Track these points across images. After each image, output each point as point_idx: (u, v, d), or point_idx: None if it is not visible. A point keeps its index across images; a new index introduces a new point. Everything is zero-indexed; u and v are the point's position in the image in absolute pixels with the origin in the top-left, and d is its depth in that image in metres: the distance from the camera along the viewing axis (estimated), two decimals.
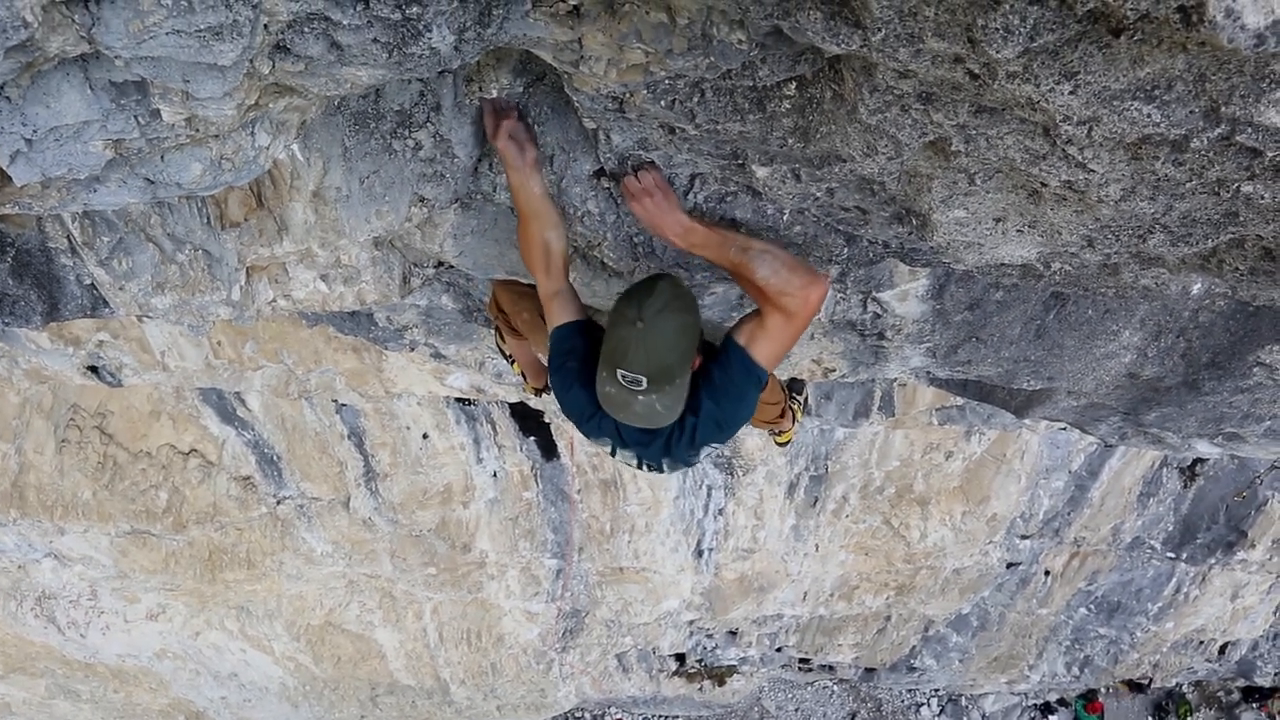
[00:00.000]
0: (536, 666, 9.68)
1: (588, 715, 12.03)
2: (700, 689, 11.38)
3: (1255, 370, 2.63)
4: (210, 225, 2.90)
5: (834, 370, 4.14)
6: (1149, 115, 1.63)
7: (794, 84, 2.01)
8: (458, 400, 6.04)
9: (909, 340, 3.68)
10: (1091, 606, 10.38)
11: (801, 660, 11.19)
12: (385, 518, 7.00)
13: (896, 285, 3.20)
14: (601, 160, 2.64)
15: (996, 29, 1.53)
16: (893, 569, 9.08)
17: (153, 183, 2.19)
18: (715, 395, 2.65)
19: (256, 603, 8.14)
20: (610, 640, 9.70)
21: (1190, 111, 1.61)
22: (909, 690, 12.82)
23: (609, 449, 2.86)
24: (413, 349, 4.69)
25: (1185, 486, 8.38)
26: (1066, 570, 9.65)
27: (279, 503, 6.88)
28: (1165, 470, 8.16)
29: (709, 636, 10.26)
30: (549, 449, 6.67)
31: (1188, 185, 1.85)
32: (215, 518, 6.95)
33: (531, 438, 6.57)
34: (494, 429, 6.45)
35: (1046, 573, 9.70)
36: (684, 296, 2.48)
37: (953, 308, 3.48)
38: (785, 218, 2.74)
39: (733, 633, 10.24)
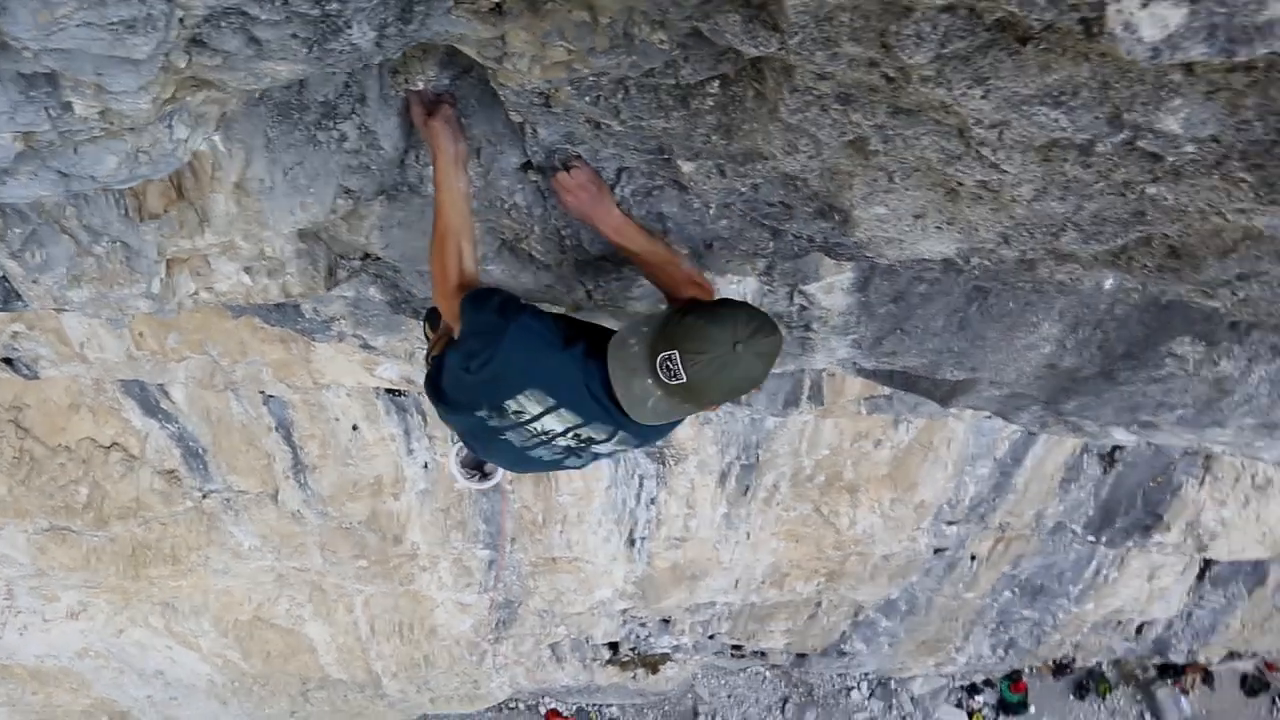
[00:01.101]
0: (470, 658, 9.65)
1: (521, 706, 12.02)
2: (634, 677, 11.43)
3: (1167, 361, 2.74)
4: (128, 217, 2.82)
5: None
6: (1056, 120, 1.69)
7: (717, 82, 2.04)
8: (388, 391, 5.99)
9: (835, 332, 3.75)
10: (1016, 590, 10.60)
11: (734, 647, 11.30)
12: (315, 510, 6.92)
13: (822, 278, 3.26)
14: (529, 153, 2.65)
15: (909, 35, 1.57)
16: (823, 556, 9.21)
17: (66, 176, 2.13)
18: None
19: (183, 599, 7.99)
20: (543, 630, 9.71)
21: (1095, 117, 1.67)
22: (840, 674, 13.01)
23: (537, 411, 2.61)
24: (341, 340, 4.65)
25: (1105, 472, 8.60)
26: (992, 555, 9.85)
27: (205, 496, 6.76)
28: (1086, 457, 8.37)
29: (642, 625, 10.31)
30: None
31: (1096, 186, 1.92)
32: (139, 513, 6.80)
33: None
34: (425, 419, 6.41)
35: (973, 557, 9.89)
36: (773, 356, 2.32)
37: (877, 300, 3.55)
38: (711, 211, 2.78)
39: (666, 621, 10.31)
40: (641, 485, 7.64)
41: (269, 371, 5.26)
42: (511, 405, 2.60)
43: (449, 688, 10.16)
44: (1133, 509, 9.05)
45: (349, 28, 1.86)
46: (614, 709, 12.31)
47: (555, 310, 2.93)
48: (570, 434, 2.64)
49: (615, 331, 2.43)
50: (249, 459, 6.39)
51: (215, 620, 8.27)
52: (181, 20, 1.71)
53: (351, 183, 2.82)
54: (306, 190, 2.77)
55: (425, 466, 6.80)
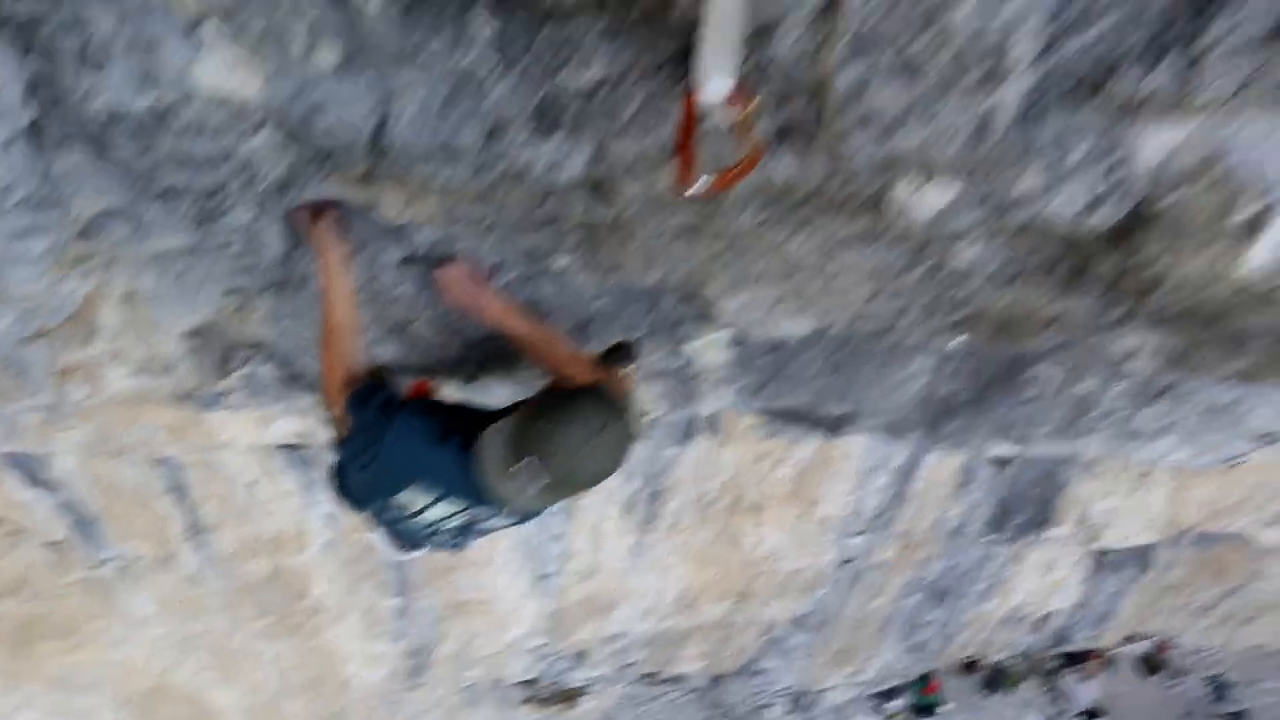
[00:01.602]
0: (384, 709, 9.49)
1: None
2: (552, 713, 11.38)
3: (1029, 385, 2.99)
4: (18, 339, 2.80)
5: (653, 412, 4.33)
6: (868, 255, 1.99)
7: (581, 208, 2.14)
8: (284, 446, 5.92)
9: (720, 383, 3.91)
10: (922, 594, 10.81)
11: (650, 675, 11.32)
12: (215, 571, 6.76)
13: (701, 337, 3.38)
14: (410, 249, 2.72)
15: (734, 207, 1.75)
16: (732, 577, 9.33)
17: None
18: None
19: (78, 673, 7.68)
20: (457, 674, 9.61)
21: (899, 252, 1.94)
22: (756, 693, 13.10)
23: (425, 503, 2.74)
24: (234, 411, 4.62)
25: (999, 473, 8.88)
26: (897, 562, 10.10)
27: (98, 565, 6.55)
28: (979, 461, 8.67)
29: (557, 659, 10.28)
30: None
31: (921, 290, 2.22)
32: (26, 587, 6.55)
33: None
34: (325, 472, 6.35)
35: (878, 566, 10.14)
36: (627, 441, 2.42)
37: (754, 353, 3.72)
38: (588, 294, 2.94)
39: (580, 654, 10.29)
40: (548, 521, 7.66)
41: (162, 435, 5.15)
42: (400, 498, 2.72)
43: None
44: (1027, 507, 9.38)
45: (231, 211, 2.02)
46: None
47: (437, 397, 3.02)
48: (460, 516, 2.75)
49: (492, 416, 2.53)
50: (143, 523, 6.21)
51: (114, 693, 7.97)
52: (74, 221, 1.81)
53: (239, 282, 2.83)
54: (195, 293, 2.78)
55: (328, 518, 6.72)
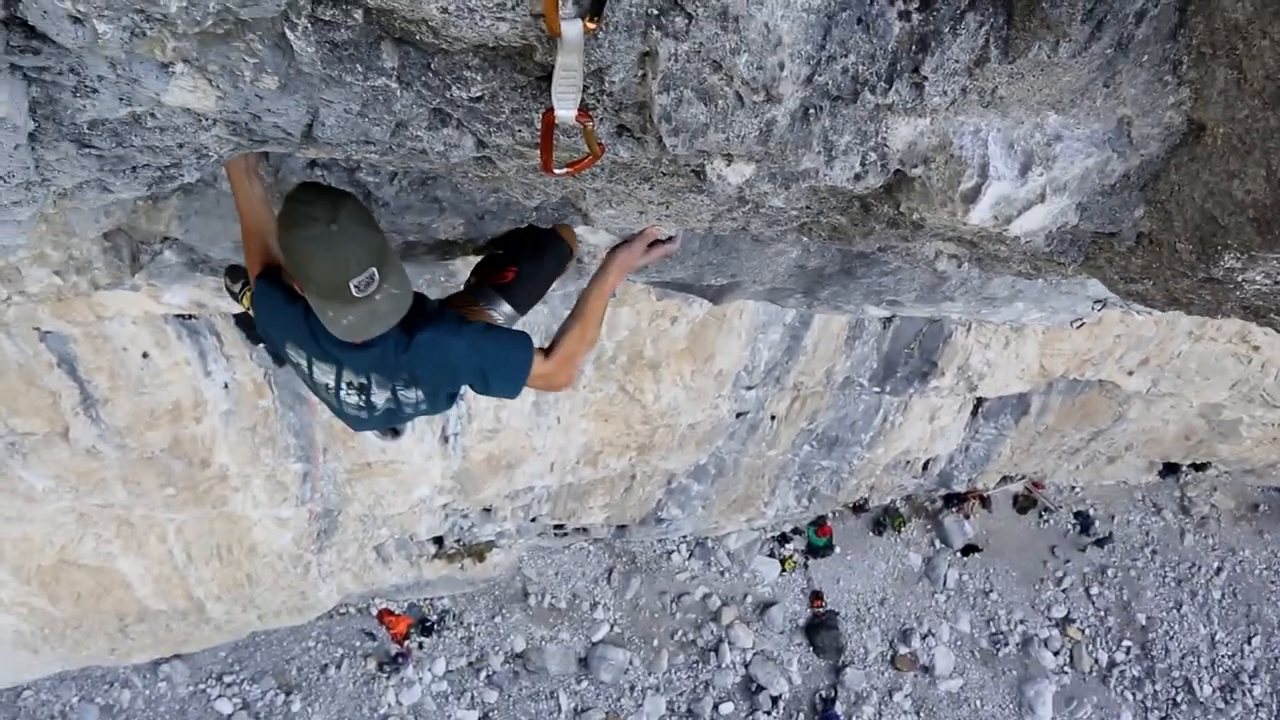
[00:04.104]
0: (294, 571, 9.63)
1: (353, 610, 12.10)
2: (461, 568, 11.69)
3: (890, 257, 3.27)
4: None
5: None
6: (700, 199, 2.55)
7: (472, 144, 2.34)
8: (177, 316, 5.81)
9: None
10: (814, 443, 11.38)
11: (556, 527, 11.69)
12: (111, 444, 6.68)
13: (589, 225, 3.48)
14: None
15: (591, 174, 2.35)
16: (632, 431, 9.60)
17: None
18: (451, 343, 2.70)
19: None
20: (366, 534, 9.78)
21: (725, 198, 2.50)
22: (659, 540, 13.64)
23: (303, 361, 2.83)
24: (134, 290, 4.59)
25: (885, 328, 9.24)
26: (789, 413, 10.50)
27: None
28: (866, 316, 8.97)
29: (464, 516, 10.52)
30: (280, 355, 6.53)
31: (758, 214, 2.70)
32: None
33: (260, 345, 6.40)
34: (220, 340, 6.26)
35: (772, 418, 10.51)
36: (333, 192, 2.44)
37: None
38: (480, 192, 3.24)
39: (487, 510, 10.54)
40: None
41: (45, 309, 5.01)
42: (291, 358, 2.85)
43: (275, 602, 10.13)
44: (911, 359, 9.85)
45: (183, 174, 2.36)
46: (445, 601, 12.57)
47: None
48: (342, 384, 2.83)
49: None
50: (31, 399, 6.08)
51: (14, 569, 7.90)
52: (55, 190, 2.20)
53: (153, 191, 2.88)
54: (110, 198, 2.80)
55: (226, 387, 6.67)
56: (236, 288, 4.15)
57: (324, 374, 2.82)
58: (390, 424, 3.10)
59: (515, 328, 2.98)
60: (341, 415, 3.05)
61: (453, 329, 2.71)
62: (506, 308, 3.18)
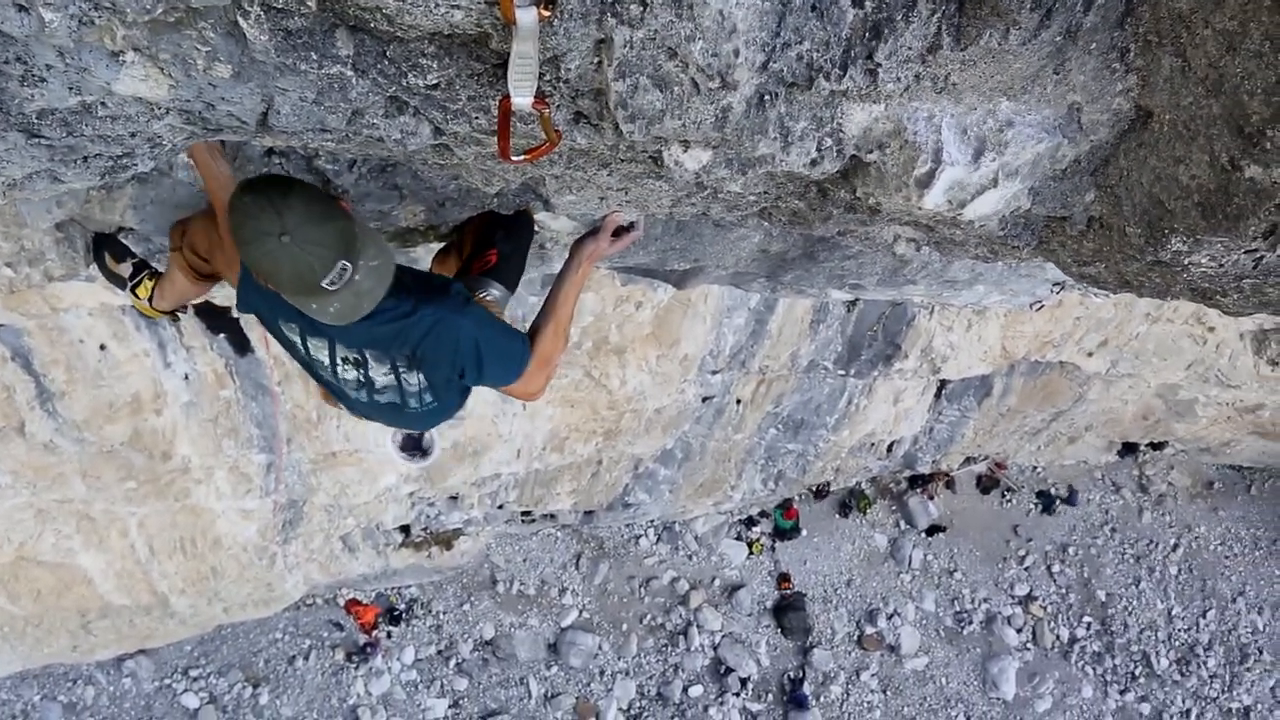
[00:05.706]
0: (259, 563, 9.56)
1: (319, 600, 12.04)
2: (429, 556, 11.65)
3: (851, 241, 3.32)
4: None
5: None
6: (659, 184, 2.61)
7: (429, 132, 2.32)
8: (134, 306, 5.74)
9: (568, 247, 4.04)
10: (779, 427, 11.41)
11: (524, 513, 11.67)
12: (69, 438, 6.59)
13: (549, 211, 3.49)
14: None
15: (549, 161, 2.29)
16: (598, 417, 9.61)
17: None
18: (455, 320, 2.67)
19: None
20: (332, 524, 9.72)
21: (683, 184, 2.54)
22: (627, 525, 13.68)
23: (297, 339, 2.80)
24: (89, 283, 4.51)
25: (849, 311, 9.27)
26: (755, 397, 10.53)
27: None
28: (830, 300, 9.02)
29: (430, 505, 10.49)
30: (242, 344, 6.48)
31: (715, 200, 2.75)
32: None
33: (221, 335, 6.34)
34: (179, 331, 6.19)
35: (738, 401, 10.52)
36: (275, 192, 2.28)
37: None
38: (440, 179, 3.25)
39: (454, 498, 10.52)
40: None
41: None
42: (284, 337, 2.80)
43: (241, 595, 10.05)
44: (875, 341, 9.88)
45: (136, 164, 2.35)
46: (413, 589, 12.55)
47: None
48: (336, 359, 2.80)
49: None
50: None
51: None
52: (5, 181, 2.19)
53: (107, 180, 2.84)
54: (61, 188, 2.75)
55: (186, 378, 6.59)
56: (124, 271, 3.75)
57: (318, 350, 2.81)
58: (397, 418, 3.10)
59: (507, 318, 3.02)
60: (343, 398, 3.06)
61: (458, 308, 2.70)
62: (497, 289, 3.16)
